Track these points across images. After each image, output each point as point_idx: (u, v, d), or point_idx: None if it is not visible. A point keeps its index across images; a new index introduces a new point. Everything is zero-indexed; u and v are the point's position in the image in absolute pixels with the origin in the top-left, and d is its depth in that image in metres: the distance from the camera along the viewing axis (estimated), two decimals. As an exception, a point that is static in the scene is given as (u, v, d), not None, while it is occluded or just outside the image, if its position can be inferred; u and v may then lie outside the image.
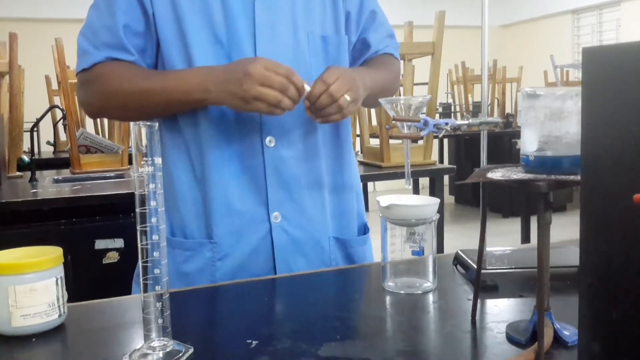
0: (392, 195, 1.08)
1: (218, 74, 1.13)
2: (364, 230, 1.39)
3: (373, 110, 4.33)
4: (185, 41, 1.19)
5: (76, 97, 1.23)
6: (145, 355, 0.78)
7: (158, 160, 0.77)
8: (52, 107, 3.82)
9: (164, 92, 1.17)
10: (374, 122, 4.52)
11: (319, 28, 1.28)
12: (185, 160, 1.23)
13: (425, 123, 1.00)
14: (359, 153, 3.89)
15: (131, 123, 0.78)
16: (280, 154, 1.23)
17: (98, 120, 5.50)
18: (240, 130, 1.21)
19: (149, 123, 0.76)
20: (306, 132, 1.26)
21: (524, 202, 5.42)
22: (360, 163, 3.45)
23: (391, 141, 3.29)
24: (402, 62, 3.14)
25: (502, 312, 0.96)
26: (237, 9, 1.20)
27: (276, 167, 1.22)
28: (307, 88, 1.13)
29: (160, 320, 0.79)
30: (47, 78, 5.33)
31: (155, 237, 0.77)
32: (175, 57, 1.20)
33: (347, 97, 1.14)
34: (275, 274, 1.24)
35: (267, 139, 1.21)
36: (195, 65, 1.18)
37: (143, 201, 0.76)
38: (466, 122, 1.04)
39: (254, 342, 0.84)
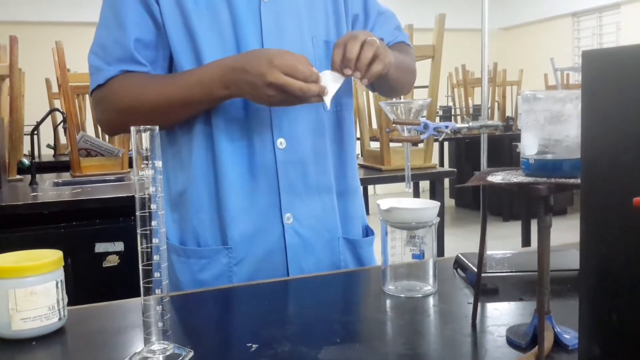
0: (392, 198, 1.07)
1: (238, 72, 1.12)
2: (366, 231, 1.40)
3: (373, 114, 4.34)
4: (197, 48, 1.19)
5: (94, 116, 1.21)
6: (146, 358, 0.78)
7: (158, 164, 0.77)
8: (52, 110, 3.83)
9: (184, 93, 1.16)
10: (374, 125, 4.52)
11: (323, 33, 1.29)
12: (199, 168, 1.23)
13: (426, 126, 1.01)
14: (359, 156, 3.89)
15: (132, 126, 0.78)
16: (291, 155, 1.23)
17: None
18: (251, 132, 1.21)
19: (149, 126, 0.76)
20: (315, 134, 1.27)
21: (524, 206, 5.41)
22: (361, 166, 3.46)
23: (391, 144, 3.29)
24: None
25: (502, 315, 0.95)
26: (243, 13, 1.20)
27: (287, 168, 1.23)
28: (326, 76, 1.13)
29: (160, 324, 0.78)
30: (47, 81, 5.34)
31: (155, 240, 0.77)
32: (188, 65, 1.20)
33: (377, 40, 1.15)
34: (288, 276, 1.24)
35: (279, 140, 1.22)
36: None
37: (143, 204, 0.76)
38: (466, 125, 1.04)
39: (254, 346, 0.84)
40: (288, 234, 1.24)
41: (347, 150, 1.35)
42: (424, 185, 4.93)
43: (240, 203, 1.21)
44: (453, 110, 7.41)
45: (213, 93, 1.15)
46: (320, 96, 1.11)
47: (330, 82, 1.13)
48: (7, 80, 3.12)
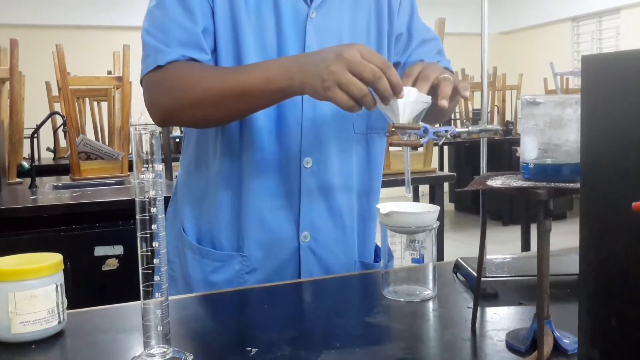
0: (392, 202, 1.07)
1: (307, 57, 1.07)
2: (377, 253, 1.39)
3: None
4: (238, 51, 1.18)
5: (144, 100, 1.11)
6: (145, 362, 0.78)
7: (158, 167, 0.77)
8: (52, 114, 3.82)
9: (242, 80, 1.09)
10: (374, 129, 4.53)
11: None
12: (225, 172, 1.22)
13: (425, 130, 1.01)
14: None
15: (131, 129, 0.78)
16: (316, 175, 1.23)
17: (98, 126, 5.51)
18: (280, 148, 1.21)
19: (149, 129, 0.76)
20: (343, 157, 1.26)
21: (524, 210, 5.41)
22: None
23: (391, 148, 3.29)
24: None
25: (502, 320, 0.95)
26: (289, 26, 1.19)
27: (311, 187, 1.23)
28: (414, 93, 1.03)
29: (160, 328, 0.78)
30: (47, 84, 5.33)
31: (155, 243, 0.77)
32: (228, 64, 1.18)
33: (467, 94, 1.10)
34: None
35: (305, 159, 1.22)
36: None
37: (143, 208, 0.76)
38: (466, 129, 1.04)
39: (254, 350, 0.84)
40: (303, 251, 1.24)
41: (373, 175, 1.34)
42: (424, 189, 4.91)
43: (260, 214, 1.21)
44: (453, 114, 7.41)
45: (273, 82, 1.05)
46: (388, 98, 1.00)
47: (412, 101, 1.03)
48: (8, 83, 3.12)
